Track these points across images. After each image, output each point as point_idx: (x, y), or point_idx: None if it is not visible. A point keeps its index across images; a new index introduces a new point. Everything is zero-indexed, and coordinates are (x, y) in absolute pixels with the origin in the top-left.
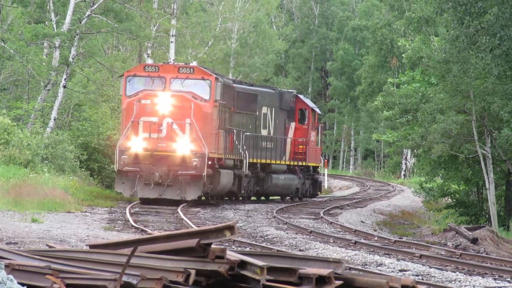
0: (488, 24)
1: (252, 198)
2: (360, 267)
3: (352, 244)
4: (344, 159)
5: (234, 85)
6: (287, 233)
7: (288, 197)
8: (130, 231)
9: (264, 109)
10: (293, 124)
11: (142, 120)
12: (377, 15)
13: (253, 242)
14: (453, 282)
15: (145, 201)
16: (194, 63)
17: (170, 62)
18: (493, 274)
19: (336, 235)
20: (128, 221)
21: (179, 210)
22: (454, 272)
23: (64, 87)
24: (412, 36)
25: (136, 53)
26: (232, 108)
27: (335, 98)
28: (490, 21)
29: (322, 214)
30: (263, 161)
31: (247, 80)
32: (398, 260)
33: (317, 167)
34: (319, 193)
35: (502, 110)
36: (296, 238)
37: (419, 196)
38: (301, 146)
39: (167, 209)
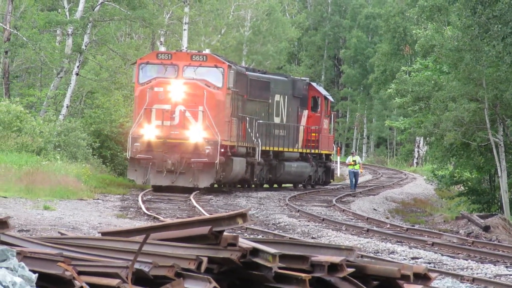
0: (501, 12)
1: (265, 185)
2: (372, 255)
3: (364, 232)
4: (357, 147)
5: (247, 72)
6: (299, 220)
7: (301, 185)
8: (143, 218)
9: (277, 97)
10: (305, 112)
11: (155, 107)
12: (390, 3)
13: (266, 230)
14: (465, 270)
15: (157, 189)
16: (207, 51)
17: (183, 49)
18: (505, 262)
19: (348, 222)
20: (141, 208)
21: (191, 197)
22: (466, 260)
23: (77, 74)
24: (425, 24)
25: (149, 41)
26: (245, 95)
27: (348, 86)
28: (502, 9)
29: (334, 202)
30: (276, 148)
31: (260, 68)
32: (410, 247)
33: (330, 154)
34: (331, 180)
35: None
36: (308, 225)
37: (431, 184)
38: (314, 134)
39: (180, 197)
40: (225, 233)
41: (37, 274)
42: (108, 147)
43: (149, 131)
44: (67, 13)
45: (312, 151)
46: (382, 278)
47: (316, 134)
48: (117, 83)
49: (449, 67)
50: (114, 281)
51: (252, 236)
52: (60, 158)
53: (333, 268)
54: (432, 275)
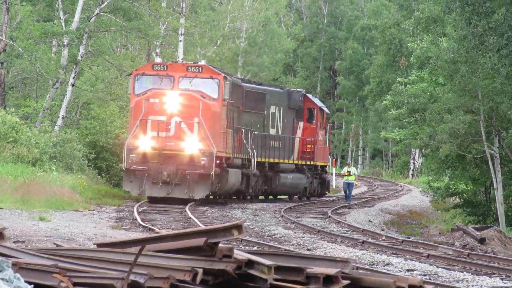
0: (496, 24)
1: (260, 197)
2: (367, 267)
3: (359, 244)
4: (353, 159)
5: (242, 84)
6: (295, 232)
7: (296, 196)
8: (138, 229)
9: (273, 108)
10: (301, 124)
11: (150, 119)
12: (386, 14)
13: (261, 241)
14: (460, 282)
15: (153, 200)
16: (202, 62)
17: (178, 61)
18: (501, 274)
19: (343, 234)
20: (136, 219)
21: (187, 209)
22: (462, 272)
23: (73, 85)
24: (420, 36)
25: (144, 52)
26: (241, 107)
27: (343, 98)
28: (498, 21)
29: (330, 214)
30: (271, 160)
31: (255, 79)
32: (405, 259)
33: (325, 166)
34: (327, 192)
35: (510, 110)
36: (303, 237)
37: (427, 196)
38: (309, 146)
39: (175, 208)
40: (220, 245)
41: (32, 285)
42: (103, 158)
43: (145, 142)
44: (63, 24)
45: (308, 162)
46: None
47: (312, 146)
48: (112, 94)
49: (445, 79)
50: None
51: (247, 248)
52: (56, 169)
53: (329, 280)
54: (428, 287)
